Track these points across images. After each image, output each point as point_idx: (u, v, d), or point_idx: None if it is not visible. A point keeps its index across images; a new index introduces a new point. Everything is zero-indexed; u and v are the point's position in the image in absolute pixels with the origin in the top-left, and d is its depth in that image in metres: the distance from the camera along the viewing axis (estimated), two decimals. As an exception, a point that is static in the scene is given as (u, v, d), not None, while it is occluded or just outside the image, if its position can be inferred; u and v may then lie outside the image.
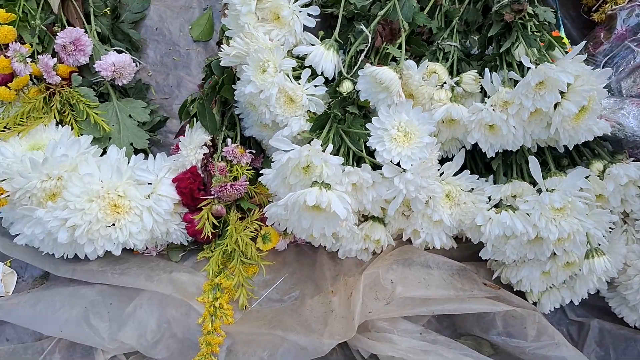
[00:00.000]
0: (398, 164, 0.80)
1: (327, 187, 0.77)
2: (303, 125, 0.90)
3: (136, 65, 1.14)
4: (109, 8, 1.12)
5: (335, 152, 0.90)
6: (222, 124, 0.99)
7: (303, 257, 0.98)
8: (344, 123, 0.89)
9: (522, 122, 0.85)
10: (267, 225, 0.92)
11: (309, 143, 0.77)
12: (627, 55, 1.03)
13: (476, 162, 1.01)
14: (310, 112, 0.92)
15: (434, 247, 0.93)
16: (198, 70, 1.18)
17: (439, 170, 0.90)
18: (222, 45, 0.96)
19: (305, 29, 0.97)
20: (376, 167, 0.84)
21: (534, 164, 0.82)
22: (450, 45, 0.99)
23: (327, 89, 0.92)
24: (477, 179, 0.91)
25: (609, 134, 0.88)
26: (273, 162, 0.81)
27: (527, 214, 0.83)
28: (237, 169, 0.95)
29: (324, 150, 0.78)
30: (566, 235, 0.81)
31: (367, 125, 0.81)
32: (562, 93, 0.81)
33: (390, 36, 0.97)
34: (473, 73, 0.92)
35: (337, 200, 0.75)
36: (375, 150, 0.85)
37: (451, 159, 0.94)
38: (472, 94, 0.94)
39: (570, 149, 0.91)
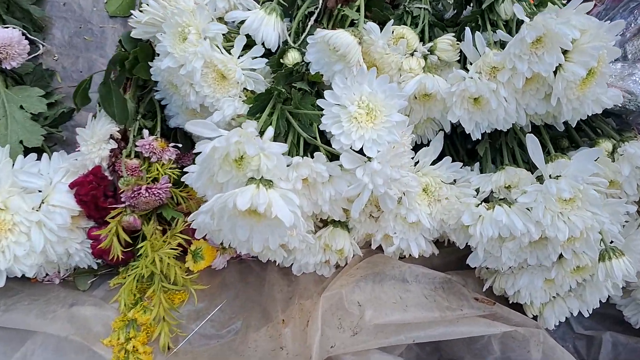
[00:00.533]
0: (361, 151, 0.62)
1: (267, 185, 0.58)
2: (238, 107, 0.71)
3: (38, 48, 0.93)
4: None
5: (283, 141, 0.72)
6: (138, 112, 0.79)
7: (249, 275, 0.79)
8: (291, 103, 0.70)
9: (515, 93, 0.68)
10: (198, 239, 0.72)
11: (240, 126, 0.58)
12: (628, 17, 0.87)
13: (456, 148, 0.84)
14: (247, 90, 0.72)
15: (410, 256, 0.75)
16: (114, 51, 0.97)
17: (412, 158, 0.72)
18: (133, 12, 0.76)
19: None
20: (335, 157, 0.65)
21: (533, 143, 0.65)
22: (420, 8, 0.82)
23: (268, 61, 0.73)
24: (461, 167, 0.73)
25: (619, 105, 0.72)
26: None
27: (528, 208, 0.66)
28: (157, 168, 0.75)
29: (261, 135, 0.59)
30: (578, 233, 0.64)
31: (319, 102, 0.62)
32: (564, 53, 0.64)
33: (345, -4, 0.79)
34: (449, 37, 0.75)
35: (280, 202, 0.56)
36: (331, 135, 0.67)
37: (427, 145, 0.76)
38: (449, 63, 0.77)
39: (573, 126, 0.74)
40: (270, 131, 0.60)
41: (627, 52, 0.81)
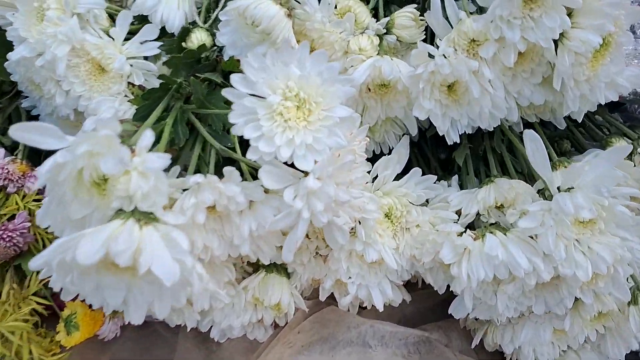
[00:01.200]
0: (292, 165, 0.42)
1: (143, 221, 0.38)
2: (122, 109, 0.51)
3: None
4: None
5: (188, 156, 0.52)
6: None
7: (154, 344, 0.58)
8: (196, 101, 0.50)
9: (503, 75, 0.50)
10: (68, 301, 0.51)
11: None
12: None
13: (427, 158, 0.65)
14: (134, 86, 0.52)
15: (373, 307, 0.55)
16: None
17: (369, 172, 0.53)
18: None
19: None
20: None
21: (534, 142, 0.47)
22: (371, -21, 0.64)
23: (163, 45, 0.53)
24: (435, 182, 0.54)
25: (636, 91, 0.55)
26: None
27: (532, 236, 0.47)
28: (16, 202, 0.54)
29: (126, 142, 0.39)
30: (605, 268, 0.45)
31: (224, 92, 0.42)
32: (569, 14, 0.46)
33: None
34: (410, 9, 0.57)
35: (157, 248, 0.36)
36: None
37: (388, 154, 0.57)
38: (412, 46, 0.59)
39: (579, 120, 0.56)
40: (148, 136, 0.39)
41: (636, 28, 0.64)
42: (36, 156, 0.59)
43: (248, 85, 0.42)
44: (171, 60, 0.51)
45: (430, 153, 0.64)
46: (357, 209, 0.47)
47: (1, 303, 0.49)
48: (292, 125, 0.41)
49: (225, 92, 0.43)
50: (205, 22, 0.58)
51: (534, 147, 0.46)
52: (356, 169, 0.47)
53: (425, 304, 0.62)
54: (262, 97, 0.42)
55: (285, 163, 0.43)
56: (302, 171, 0.43)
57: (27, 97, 0.61)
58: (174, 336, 0.59)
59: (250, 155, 0.42)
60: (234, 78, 0.42)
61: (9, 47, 0.57)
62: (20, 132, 0.39)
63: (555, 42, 0.48)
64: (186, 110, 0.51)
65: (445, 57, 0.48)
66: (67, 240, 0.36)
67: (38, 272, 0.51)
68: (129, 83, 0.52)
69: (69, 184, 0.39)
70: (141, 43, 0.53)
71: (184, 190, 0.45)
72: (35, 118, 0.62)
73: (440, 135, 0.53)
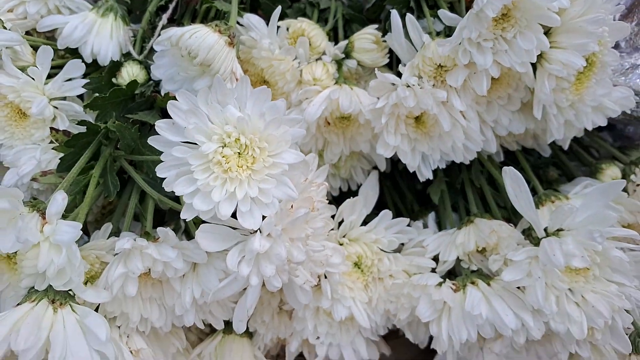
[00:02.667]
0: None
1: (57, 302, 0.33)
2: (45, 159, 0.46)
3: None
4: None
5: (121, 209, 0.47)
6: None
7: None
8: (125, 147, 0.45)
9: (477, 104, 0.46)
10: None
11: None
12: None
13: (401, 191, 0.60)
14: (57, 131, 0.47)
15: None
16: None
17: (333, 217, 0.48)
18: None
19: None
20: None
21: (514, 180, 0.42)
22: (329, -2, 0.60)
23: (88, 82, 0.48)
24: (408, 225, 0.49)
25: (629, 111, 0.51)
26: None
27: (519, 287, 0.42)
28: None
29: (39, 206, 0.33)
30: (602, 322, 0.41)
31: (151, 141, 0.37)
32: (547, 33, 0.42)
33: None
34: (371, 30, 0.53)
35: (73, 341, 0.31)
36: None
37: (355, 193, 0.52)
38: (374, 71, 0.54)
39: (565, 148, 0.52)
40: (58, 200, 0.34)
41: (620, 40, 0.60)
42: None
43: (177, 131, 0.37)
44: (96, 101, 0.45)
45: (405, 186, 0.59)
46: (319, 263, 0.42)
47: None
48: (234, 176, 0.36)
49: (152, 140, 0.37)
50: (140, 54, 0.53)
51: (516, 187, 0.42)
52: (315, 218, 0.42)
53: (405, 355, 0.57)
54: (195, 145, 0.37)
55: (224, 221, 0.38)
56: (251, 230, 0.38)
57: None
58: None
59: (185, 215, 0.36)
60: (159, 124, 0.37)
61: None
62: None
63: (534, 64, 0.44)
64: (118, 157, 0.45)
65: (409, 86, 0.43)
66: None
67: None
68: (51, 129, 0.46)
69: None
70: (65, 81, 0.47)
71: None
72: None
73: (411, 170, 0.48)
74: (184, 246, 0.39)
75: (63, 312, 0.32)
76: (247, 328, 0.51)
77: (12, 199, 0.32)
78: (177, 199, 0.45)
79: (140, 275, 0.39)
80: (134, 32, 0.55)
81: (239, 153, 0.37)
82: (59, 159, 0.44)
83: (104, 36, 0.53)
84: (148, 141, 0.37)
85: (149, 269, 0.39)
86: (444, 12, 0.45)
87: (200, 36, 0.44)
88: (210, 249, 0.37)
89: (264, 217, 0.37)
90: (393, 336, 0.56)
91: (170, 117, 0.47)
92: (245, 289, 0.40)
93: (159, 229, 0.39)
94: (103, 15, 0.53)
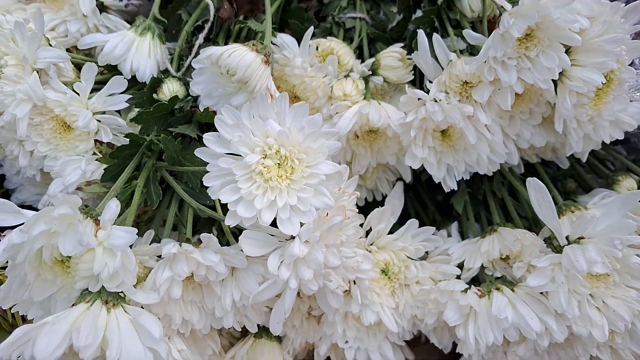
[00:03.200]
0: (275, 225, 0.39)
1: (110, 302, 0.35)
2: (90, 170, 0.48)
3: None
4: None
5: (162, 218, 0.49)
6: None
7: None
8: (169, 159, 0.47)
9: (500, 118, 0.48)
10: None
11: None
12: None
13: (423, 202, 0.62)
14: (102, 144, 0.50)
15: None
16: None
17: (362, 225, 0.50)
18: None
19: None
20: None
21: (538, 191, 0.44)
22: (354, 17, 0.63)
23: (131, 98, 0.51)
24: (434, 234, 0.51)
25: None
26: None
27: (542, 292, 0.44)
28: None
29: (91, 213, 0.36)
30: (622, 326, 0.42)
31: (198, 152, 0.40)
32: (567, 52, 0.44)
33: (249, 4, 0.59)
34: (397, 49, 0.55)
35: (128, 339, 0.33)
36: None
37: (379, 204, 0.54)
38: (401, 88, 0.57)
39: (584, 160, 0.54)
40: (112, 208, 0.36)
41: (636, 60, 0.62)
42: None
43: (223, 144, 0.40)
44: (140, 116, 0.48)
45: (427, 196, 0.61)
46: (350, 269, 0.44)
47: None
48: (274, 186, 0.39)
49: (199, 152, 0.40)
50: (178, 71, 0.55)
51: (539, 197, 0.44)
52: (347, 226, 0.44)
53: (430, 359, 0.59)
54: (239, 157, 0.39)
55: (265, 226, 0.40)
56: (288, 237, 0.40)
57: (-5, 157, 0.58)
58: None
59: (229, 221, 0.39)
60: (207, 137, 0.39)
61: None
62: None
63: (555, 81, 0.46)
64: (160, 168, 0.48)
65: (436, 101, 0.46)
66: (28, 331, 0.32)
67: None
68: (96, 141, 0.49)
69: (30, 264, 0.36)
70: (108, 96, 0.50)
71: (159, 256, 0.43)
72: (2, 178, 0.59)
73: (436, 181, 0.50)
74: (224, 252, 0.42)
75: (116, 312, 0.35)
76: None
77: (73, 205, 0.34)
78: (214, 208, 0.47)
79: (182, 280, 0.41)
80: (169, 50, 0.58)
81: (279, 164, 0.39)
82: (104, 169, 0.47)
83: (142, 54, 0.55)
84: (195, 152, 0.40)
85: (192, 273, 0.41)
86: (469, 32, 0.48)
87: (238, 55, 0.47)
88: (252, 253, 0.39)
89: (301, 224, 0.39)
90: (416, 342, 0.58)
91: (210, 131, 0.50)
92: (279, 294, 0.42)
93: (203, 235, 0.42)
94: (141, 34, 0.56)
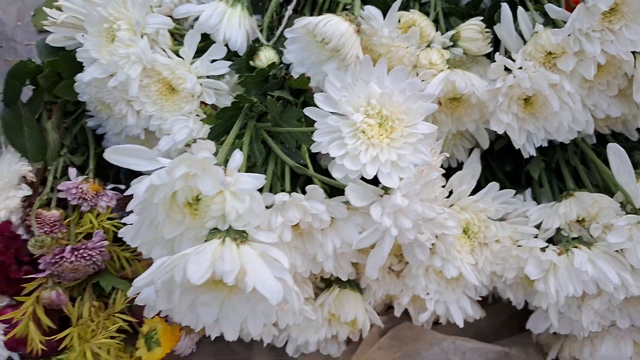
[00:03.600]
0: (373, 180, 0.43)
1: (238, 240, 0.39)
2: (195, 129, 0.53)
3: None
4: None
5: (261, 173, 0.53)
6: (62, 145, 0.60)
7: (228, 358, 0.59)
8: (269, 119, 0.51)
9: (580, 88, 0.51)
10: (150, 317, 0.52)
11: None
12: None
13: (492, 171, 0.65)
14: (206, 105, 0.54)
15: (449, 322, 0.56)
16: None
17: (443, 187, 0.53)
18: (46, 11, 0.59)
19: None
20: (335, 192, 0.47)
21: (618, 156, 0.47)
22: (429, -10, 0.65)
23: (233, 64, 0.55)
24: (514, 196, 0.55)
25: None
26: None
27: (618, 250, 0.47)
28: (90, 220, 0.56)
29: (224, 163, 0.40)
30: (698, 282, 0.45)
31: (306, 111, 0.44)
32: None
33: (334, -22, 0.62)
34: (477, 22, 0.58)
35: (259, 266, 0.37)
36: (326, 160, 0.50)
37: (456, 169, 0.57)
38: (476, 59, 0.60)
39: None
40: (237, 157, 0.41)
41: None
42: (104, 175, 0.62)
43: (331, 104, 0.44)
44: (245, 80, 0.52)
45: (497, 166, 0.64)
46: (438, 225, 0.48)
47: (85, 321, 0.51)
48: (376, 143, 0.42)
49: (309, 111, 0.44)
50: (268, 40, 0.59)
51: (619, 161, 0.47)
52: (436, 183, 0.48)
53: (496, 320, 0.62)
54: (345, 116, 0.43)
55: (367, 180, 0.44)
56: (385, 189, 0.44)
57: (91, 116, 0.63)
58: (247, 351, 0.60)
59: (336, 174, 0.43)
60: (317, 97, 0.44)
61: (75, 68, 0.60)
62: (114, 155, 0.41)
63: (634, 53, 0.48)
64: (260, 129, 0.52)
65: (524, 69, 0.49)
66: (171, 261, 0.37)
67: (121, 290, 0.54)
68: (202, 102, 0.54)
69: (162, 206, 0.41)
70: (211, 62, 0.54)
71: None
72: (101, 137, 0.64)
73: (516, 148, 0.54)
74: (327, 203, 0.46)
75: (245, 247, 0.39)
76: (359, 285, 0.58)
77: (210, 151, 0.39)
78: (306, 167, 0.51)
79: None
80: (258, 21, 0.62)
81: (380, 123, 0.43)
82: (210, 128, 0.52)
83: (233, 24, 0.59)
84: (305, 111, 0.44)
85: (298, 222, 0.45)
86: (551, 6, 0.51)
87: (333, 24, 0.50)
88: (357, 204, 0.43)
89: (400, 179, 0.43)
90: (484, 303, 0.62)
91: (299, 97, 0.54)
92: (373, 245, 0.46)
93: (309, 186, 0.46)
94: (232, 6, 0.60)
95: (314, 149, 0.45)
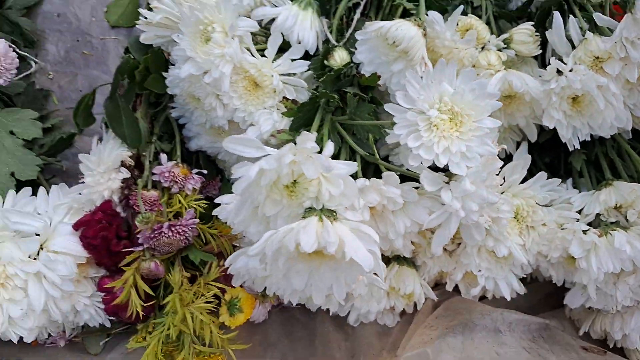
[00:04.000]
0: (443, 169, 0.50)
1: (331, 218, 0.45)
2: (278, 121, 0.59)
3: (30, 65, 0.81)
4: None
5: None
6: (152, 133, 0.67)
7: (295, 328, 0.66)
8: (343, 113, 0.58)
9: (623, 89, 0.56)
10: (232, 286, 0.59)
11: (293, 142, 0.45)
12: None
13: (534, 161, 0.71)
14: (287, 100, 0.60)
15: (494, 297, 0.62)
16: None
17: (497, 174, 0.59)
18: (142, 12, 0.65)
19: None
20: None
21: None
22: (482, -4, 0.71)
23: (310, 64, 0.61)
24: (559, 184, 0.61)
25: None
26: (234, 182, 0.49)
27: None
28: (179, 200, 0.62)
29: (320, 151, 0.46)
30: None
31: (387, 107, 0.50)
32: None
33: (397, -16, 0.68)
34: (528, 26, 0.63)
35: (354, 240, 0.43)
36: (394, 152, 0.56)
37: (504, 160, 0.63)
38: (525, 60, 0.65)
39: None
40: (330, 146, 0.47)
41: None
42: (189, 160, 0.68)
43: (409, 101, 0.50)
44: (324, 77, 0.58)
45: (538, 157, 0.70)
46: (494, 209, 0.54)
47: (182, 292, 0.58)
48: (447, 136, 0.49)
49: (389, 108, 0.50)
50: (337, 41, 0.65)
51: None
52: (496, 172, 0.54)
53: (534, 297, 0.69)
54: (422, 112, 0.49)
55: (434, 168, 0.50)
56: (449, 175, 0.50)
57: (174, 107, 0.70)
58: (310, 320, 0.67)
59: (412, 162, 0.49)
60: (398, 94, 0.50)
61: (162, 64, 0.67)
62: (231, 143, 0.47)
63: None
64: (335, 122, 0.58)
65: (576, 72, 0.54)
66: (279, 233, 0.43)
67: (211, 264, 0.61)
68: (284, 97, 0.60)
69: (267, 187, 0.47)
70: (292, 60, 0.60)
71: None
72: (182, 126, 0.70)
73: (563, 142, 0.59)
74: (401, 187, 0.52)
75: (337, 224, 0.45)
76: (414, 262, 0.64)
77: (310, 141, 0.45)
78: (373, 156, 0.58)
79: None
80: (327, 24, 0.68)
81: (450, 118, 0.49)
82: (292, 121, 0.58)
83: (305, 26, 0.65)
84: (385, 107, 0.50)
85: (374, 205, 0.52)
86: (599, 15, 0.56)
87: (405, 29, 0.56)
88: (430, 189, 0.50)
89: (468, 167, 0.49)
90: (523, 281, 0.68)
91: (367, 94, 0.60)
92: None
93: (386, 173, 0.52)
94: (304, 9, 0.65)
95: (390, 140, 0.51)
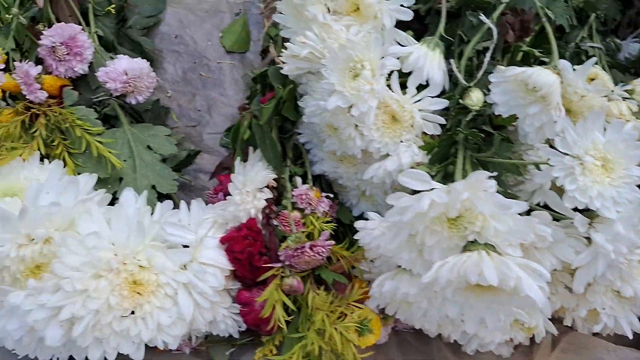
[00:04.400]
0: (586, 211, 0.52)
1: (493, 252, 0.48)
2: (417, 154, 0.62)
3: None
4: (113, 6, 0.84)
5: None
6: (286, 157, 0.70)
7: (408, 350, 0.68)
8: (480, 150, 0.60)
9: None
10: (360, 307, 0.61)
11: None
12: None
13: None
14: (425, 135, 0.63)
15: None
16: (234, 90, 0.90)
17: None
18: (287, 45, 0.68)
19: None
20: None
21: None
22: (593, 47, 0.74)
23: (447, 102, 0.64)
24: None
25: None
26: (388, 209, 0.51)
27: None
28: (311, 222, 0.65)
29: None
30: None
31: (543, 152, 0.53)
32: None
33: (521, 31, 0.71)
34: (652, 78, 0.65)
35: (528, 277, 0.45)
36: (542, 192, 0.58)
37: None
38: (641, 111, 0.68)
39: None
40: (493, 184, 0.50)
41: None
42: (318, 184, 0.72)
43: (566, 146, 0.52)
44: (462, 119, 0.61)
45: None
46: (633, 251, 0.56)
47: (325, 310, 0.60)
48: (599, 181, 0.51)
49: (545, 152, 0.53)
50: (467, 81, 0.68)
51: None
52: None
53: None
54: (578, 157, 0.52)
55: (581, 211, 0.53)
56: (588, 217, 0.53)
57: (299, 134, 0.73)
58: (423, 345, 0.69)
59: (567, 203, 0.52)
60: (558, 141, 0.52)
61: (294, 94, 0.70)
62: (405, 177, 0.50)
63: None
64: (473, 159, 0.61)
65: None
66: (452, 265, 0.46)
67: (354, 285, 0.63)
68: (424, 133, 0.63)
69: (431, 220, 0.50)
70: (430, 97, 0.63)
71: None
72: (307, 151, 0.74)
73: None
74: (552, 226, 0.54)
75: (504, 259, 0.47)
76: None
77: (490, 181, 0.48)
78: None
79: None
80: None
81: (602, 165, 0.52)
82: (432, 154, 0.61)
83: (433, 66, 0.68)
84: (541, 151, 0.53)
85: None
86: None
87: (545, 75, 0.58)
88: (581, 230, 0.52)
89: (618, 212, 0.51)
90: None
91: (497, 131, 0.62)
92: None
93: (537, 212, 0.54)
94: (433, 50, 0.69)
95: (538, 180, 0.54)
